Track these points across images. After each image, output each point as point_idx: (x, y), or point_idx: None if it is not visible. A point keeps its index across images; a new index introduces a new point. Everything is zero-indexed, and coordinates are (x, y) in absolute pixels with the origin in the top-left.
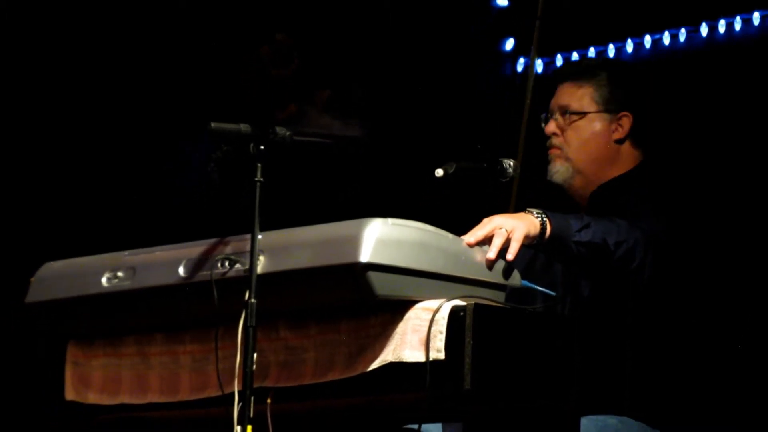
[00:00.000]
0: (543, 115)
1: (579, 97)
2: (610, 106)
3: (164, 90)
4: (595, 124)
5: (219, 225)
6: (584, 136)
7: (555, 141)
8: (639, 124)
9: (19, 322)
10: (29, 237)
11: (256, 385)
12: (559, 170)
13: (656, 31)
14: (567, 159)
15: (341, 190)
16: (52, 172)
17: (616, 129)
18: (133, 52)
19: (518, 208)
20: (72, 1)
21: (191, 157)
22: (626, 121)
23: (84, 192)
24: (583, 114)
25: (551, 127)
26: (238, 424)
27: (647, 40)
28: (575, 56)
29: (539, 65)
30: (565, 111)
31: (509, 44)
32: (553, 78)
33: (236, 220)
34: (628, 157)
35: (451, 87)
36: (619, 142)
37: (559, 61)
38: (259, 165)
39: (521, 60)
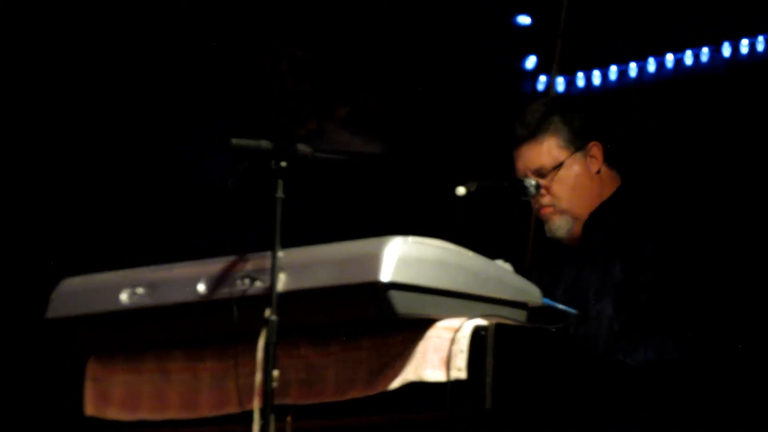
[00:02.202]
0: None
1: (546, 152)
2: (578, 144)
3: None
4: (574, 167)
5: (238, 239)
6: (570, 183)
7: (544, 201)
8: (606, 146)
9: (39, 338)
10: (45, 251)
11: (276, 402)
12: (560, 225)
13: (678, 50)
14: (563, 212)
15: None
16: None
17: (592, 161)
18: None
19: (538, 225)
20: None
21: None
22: (597, 150)
23: (94, 198)
24: (559, 165)
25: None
26: None
27: (669, 59)
28: (596, 75)
29: (560, 83)
30: (541, 171)
31: (530, 62)
32: (510, 144)
33: (255, 234)
34: (609, 181)
35: (472, 104)
36: (599, 171)
37: (580, 80)
38: (279, 181)
39: (542, 78)
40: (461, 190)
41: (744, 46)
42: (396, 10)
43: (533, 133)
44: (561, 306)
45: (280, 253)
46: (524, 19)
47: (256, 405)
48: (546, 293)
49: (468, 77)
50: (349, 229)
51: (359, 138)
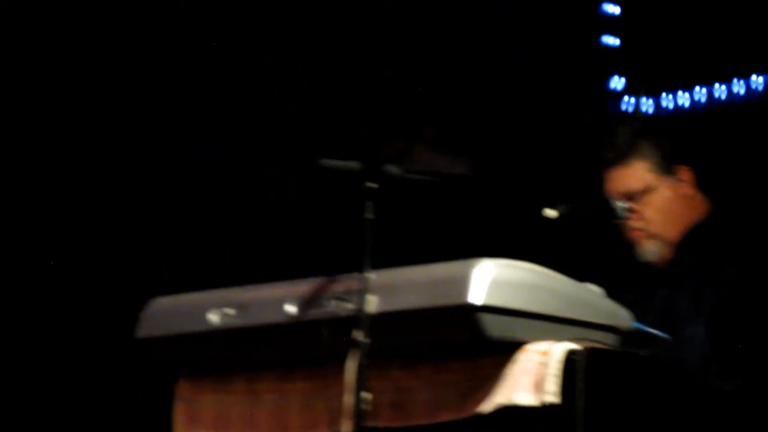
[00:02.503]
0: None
1: (636, 175)
2: (667, 168)
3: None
4: (664, 192)
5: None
6: (660, 207)
7: (634, 224)
8: (698, 171)
9: (129, 357)
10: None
11: (366, 424)
12: (651, 249)
13: (764, 71)
14: (653, 236)
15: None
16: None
17: (681, 185)
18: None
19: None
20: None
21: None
22: (686, 175)
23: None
24: (649, 189)
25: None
26: None
27: (755, 80)
28: (681, 95)
29: (647, 104)
30: (630, 195)
31: (616, 83)
32: (600, 167)
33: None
34: (699, 205)
35: (559, 125)
36: (688, 195)
37: (665, 101)
38: (369, 203)
39: (629, 99)
40: (551, 213)
41: None
42: (479, 29)
43: (622, 156)
44: (652, 330)
45: (370, 275)
46: (611, 40)
47: (346, 427)
48: (636, 315)
49: (555, 98)
50: (439, 250)
51: (447, 158)
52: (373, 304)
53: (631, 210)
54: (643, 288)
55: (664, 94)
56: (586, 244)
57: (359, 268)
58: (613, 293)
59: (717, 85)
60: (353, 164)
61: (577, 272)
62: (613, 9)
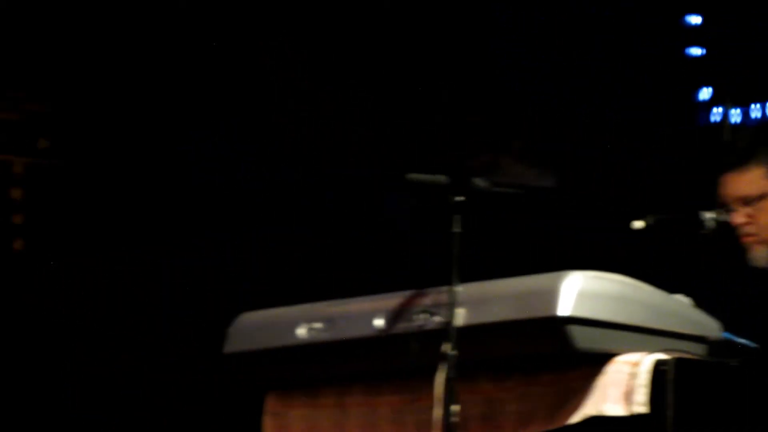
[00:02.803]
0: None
1: (752, 181)
2: None
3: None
4: None
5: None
6: None
7: (748, 229)
8: None
9: (217, 373)
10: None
11: None
12: (761, 254)
13: None
14: (765, 241)
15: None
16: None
17: None
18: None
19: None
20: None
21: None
22: None
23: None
24: (764, 195)
25: (739, 218)
26: None
27: None
28: None
29: (735, 115)
30: (746, 200)
31: (704, 93)
32: (717, 172)
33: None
34: None
35: (645, 137)
36: None
37: (754, 111)
38: (457, 216)
39: (716, 109)
40: (638, 224)
41: None
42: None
43: (739, 161)
44: (741, 340)
45: (458, 288)
46: (697, 51)
47: None
48: (745, 321)
49: (640, 110)
50: (526, 262)
51: (534, 171)
52: (461, 317)
53: (718, 221)
54: (755, 294)
55: (753, 105)
56: (677, 255)
57: (446, 281)
58: (704, 304)
59: None
60: (441, 178)
61: (667, 283)
62: (696, 19)
